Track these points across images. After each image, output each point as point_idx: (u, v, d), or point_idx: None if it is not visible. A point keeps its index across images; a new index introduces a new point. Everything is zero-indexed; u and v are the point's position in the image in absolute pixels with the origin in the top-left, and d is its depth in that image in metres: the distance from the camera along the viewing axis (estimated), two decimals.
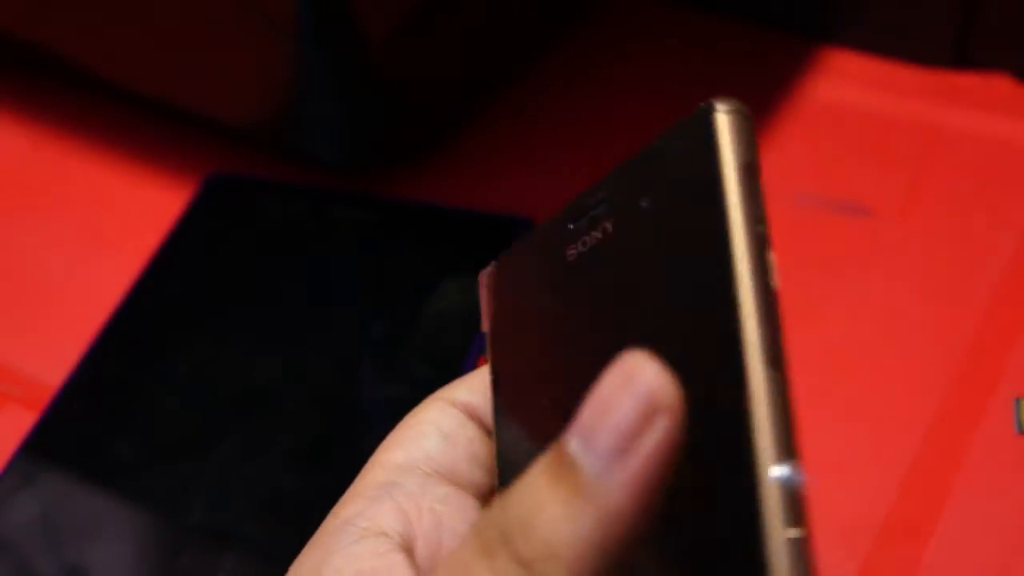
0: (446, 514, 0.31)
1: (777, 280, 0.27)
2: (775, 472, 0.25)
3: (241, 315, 0.49)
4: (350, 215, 0.51)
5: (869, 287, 0.47)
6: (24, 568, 0.42)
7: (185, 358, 0.47)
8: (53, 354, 0.48)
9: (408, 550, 0.30)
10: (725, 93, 0.57)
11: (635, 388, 0.25)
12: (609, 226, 0.30)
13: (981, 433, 0.43)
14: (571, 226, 0.31)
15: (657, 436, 0.25)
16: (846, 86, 0.54)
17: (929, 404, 0.44)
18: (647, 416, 0.25)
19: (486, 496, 0.32)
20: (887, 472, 0.42)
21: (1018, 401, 0.43)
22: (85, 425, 0.46)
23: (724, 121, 0.28)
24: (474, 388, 0.33)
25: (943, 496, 0.41)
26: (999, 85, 0.52)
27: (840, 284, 0.48)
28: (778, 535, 0.24)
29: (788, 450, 0.25)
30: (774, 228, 0.52)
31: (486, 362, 0.33)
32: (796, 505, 0.25)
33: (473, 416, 0.32)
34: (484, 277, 0.33)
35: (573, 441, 0.25)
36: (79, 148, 0.55)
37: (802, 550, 0.24)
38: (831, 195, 0.50)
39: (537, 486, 0.26)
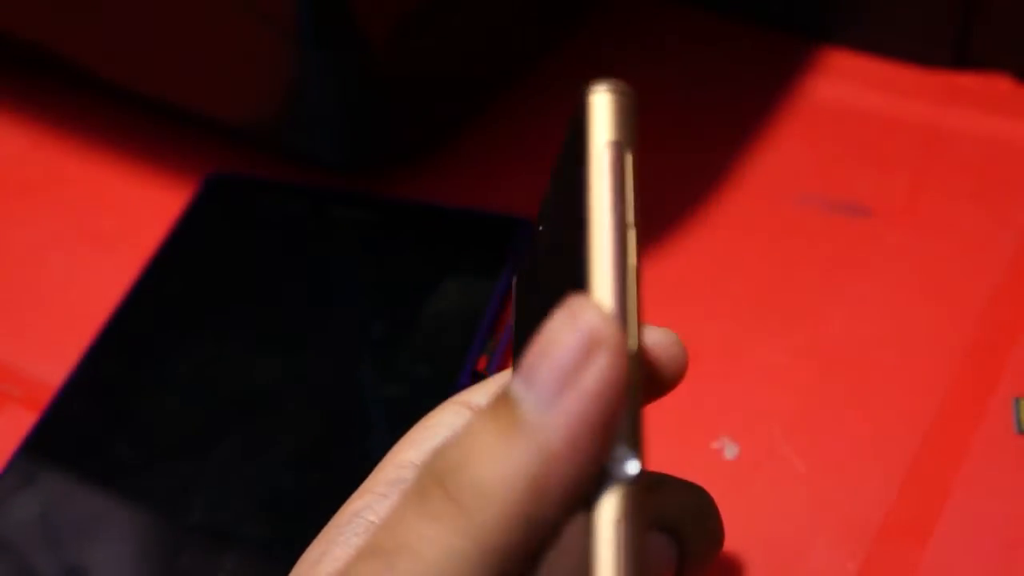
0: None
1: (635, 259, 0.26)
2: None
3: (241, 315, 0.49)
4: (350, 215, 0.51)
5: (869, 287, 0.47)
6: (24, 568, 0.42)
7: (185, 358, 0.47)
8: (53, 354, 0.48)
9: None
10: (725, 93, 0.58)
11: (576, 324, 0.25)
12: (545, 218, 0.31)
13: (981, 433, 0.43)
14: (540, 227, 0.32)
15: (597, 372, 0.24)
16: (846, 86, 0.54)
17: (929, 404, 0.44)
18: (587, 351, 0.24)
19: None
20: (887, 472, 0.42)
21: (1018, 401, 0.43)
22: (85, 425, 0.46)
23: (595, 102, 0.28)
24: (491, 393, 0.33)
25: (943, 496, 0.41)
26: (999, 85, 0.52)
27: (840, 284, 0.48)
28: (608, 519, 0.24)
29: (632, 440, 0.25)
30: (774, 227, 0.52)
31: (486, 362, 0.33)
32: (631, 495, 0.25)
33: None
34: (516, 275, 0.34)
35: (516, 381, 0.25)
36: (79, 148, 0.55)
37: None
38: (831, 195, 0.50)
39: (476, 427, 0.25)
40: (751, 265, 0.49)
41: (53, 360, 0.48)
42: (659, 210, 0.50)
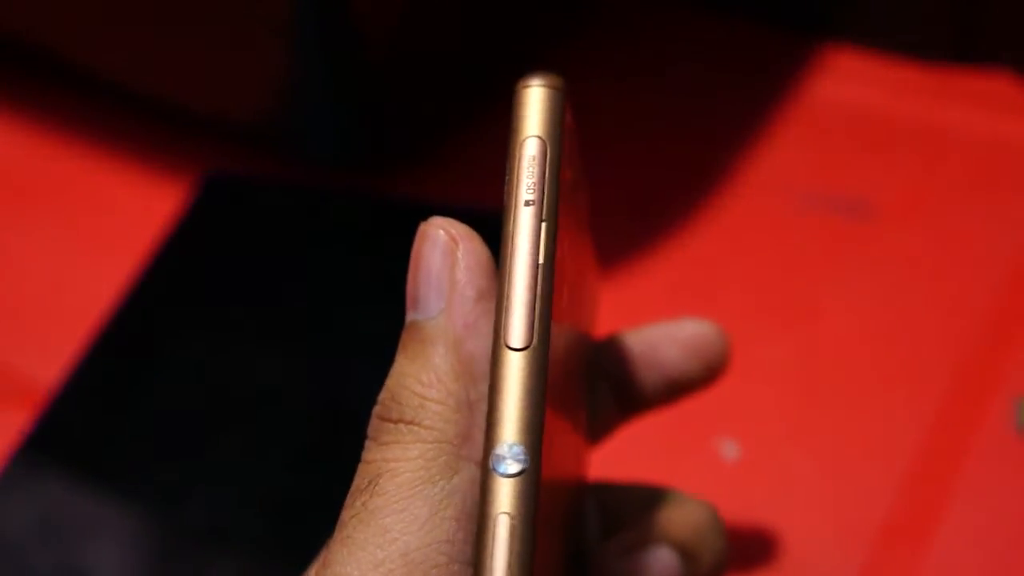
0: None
1: (546, 255, 0.27)
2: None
3: (241, 315, 0.49)
4: (350, 215, 0.51)
5: (869, 287, 0.47)
6: (24, 568, 0.42)
7: (185, 358, 0.47)
8: (52, 354, 0.48)
9: None
10: (725, 93, 0.58)
11: (431, 240, 0.28)
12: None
13: (981, 433, 0.43)
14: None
15: (463, 262, 0.28)
16: (846, 85, 0.53)
17: (929, 404, 0.44)
18: (449, 254, 0.28)
19: None
20: (887, 472, 0.42)
21: (1018, 401, 0.43)
22: (85, 425, 0.46)
23: (520, 97, 0.29)
24: None
25: (944, 496, 0.41)
26: (1000, 84, 0.52)
27: (840, 284, 0.48)
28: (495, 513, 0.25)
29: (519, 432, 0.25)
30: (774, 227, 0.52)
31: None
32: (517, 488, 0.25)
33: None
34: None
35: (408, 313, 0.28)
36: (75, 147, 0.55)
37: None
38: (831, 195, 0.50)
39: (395, 364, 0.28)
40: (751, 265, 0.49)
41: (52, 360, 0.48)
42: (659, 209, 0.50)
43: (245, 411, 0.46)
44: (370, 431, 0.28)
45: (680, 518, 0.34)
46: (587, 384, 0.33)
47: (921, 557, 0.40)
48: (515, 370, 0.26)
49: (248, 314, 0.49)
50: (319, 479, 0.44)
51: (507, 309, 0.26)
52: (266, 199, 0.52)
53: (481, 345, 0.27)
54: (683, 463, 0.43)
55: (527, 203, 0.27)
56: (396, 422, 0.27)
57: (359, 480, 0.27)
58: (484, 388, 0.27)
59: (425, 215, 0.52)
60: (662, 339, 0.34)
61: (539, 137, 0.28)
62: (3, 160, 0.56)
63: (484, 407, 0.26)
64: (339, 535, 0.26)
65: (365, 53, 0.48)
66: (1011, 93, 0.52)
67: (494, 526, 0.25)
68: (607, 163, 0.50)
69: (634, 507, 0.34)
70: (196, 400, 0.46)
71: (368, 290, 0.49)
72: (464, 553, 0.26)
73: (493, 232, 0.51)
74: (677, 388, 0.35)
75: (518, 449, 0.25)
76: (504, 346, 0.26)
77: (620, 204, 0.50)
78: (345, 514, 0.27)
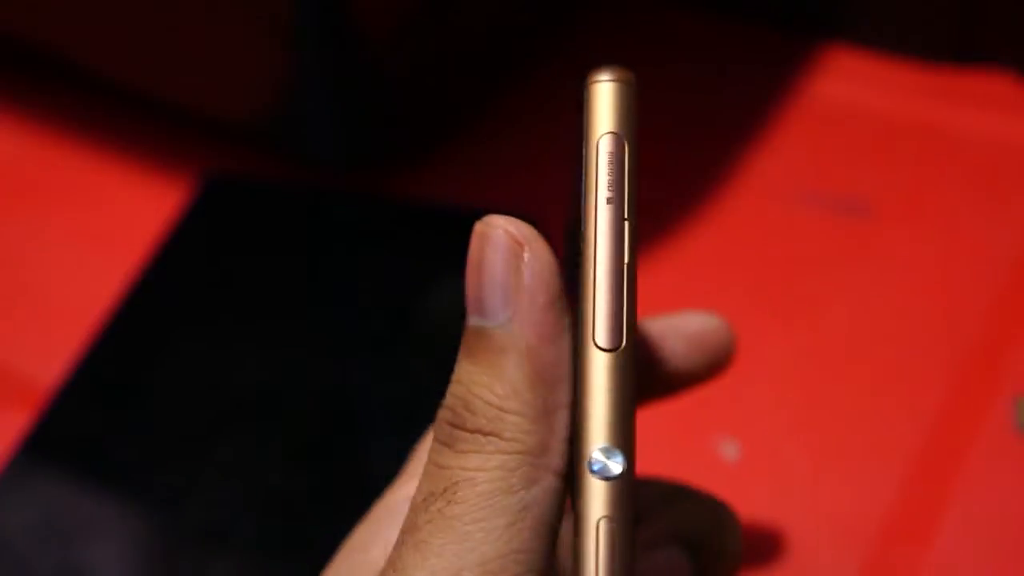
0: None
1: (631, 255, 0.27)
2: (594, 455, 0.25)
3: (241, 315, 0.49)
4: (350, 215, 0.51)
5: (869, 287, 0.47)
6: (23, 568, 0.42)
7: (185, 358, 0.47)
8: (52, 354, 0.48)
9: None
10: (725, 93, 0.58)
11: (493, 243, 0.27)
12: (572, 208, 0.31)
13: (981, 433, 0.43)
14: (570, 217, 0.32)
15: (529, 268, 0.27)
16: (847, 86, 0.53)
17: (929, 404, 0.44)
18: (514, 257, 0.27)
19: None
20: (887, 472, 0.42)
21: (1019, 400, 0.43)
22: (85, 425, 0.46)
23: (594, 91, 0.28)
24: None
25: (943, 496, 0.41)
26: (1000, 84, 0.52)
27: (840, 284, 0.48)
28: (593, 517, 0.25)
29: (614, 436, 0.26)
30: (774, 227, 0.52)
31: None
32: (613, 491, 0.25)
33: None
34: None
35: (471, 318, 0.27)
36: (74, 147, 0.55)
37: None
38: (831, 194, 0.50)
39: (461, 370, 0.27)
40: (751, 265, 0.49)
41: (52, 360, 0.48)
42: (659, 209, 0.50)
43: (245, 411, 0.46)
44: (441, 436, 0.27)
45: (695, 516, 0.34)
46: None
47: (921, 557, 0.40)
48: (607, 371, 0.26)
49: (248, 314, 0.49)
50: (319, 479, 0.44)
51: (595, 310, 0.26)
52: (266, 199, 0.52)
53: (554, 352, 0.27)
54: (683, 463, 0.43)
55: (608, 200, 0.27)
56: (473, 432, 0.27)
57: (431, 484, 0.27)
58: (560, 395, 0.26)
59: (425, 215, 0.52)
60: (668, 332, 0.34)
61: (615, 133, 0.27)
62: (3, 160, 0.56)
63: (563, 414, 0.26)
64: (411, 539, 0.26)
65: (365, 53, 0.48)
66: (1011, 93, 0.52)
67: (596, 530, 0.25)
68: None
69: (648, 504, 0.34)
70: (196, 400, 0.46)
71: (368, 290, 0.49)
72: (539, 563, 0.26)
73: None
74: (682, 380, 0.35)
75: (614, 452, 0.25)
76: (594, 347, 0.26)
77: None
78: (418, 518, 0.26)
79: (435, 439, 0.27)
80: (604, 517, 0.25)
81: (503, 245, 0.27)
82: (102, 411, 0.46)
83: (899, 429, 0.43)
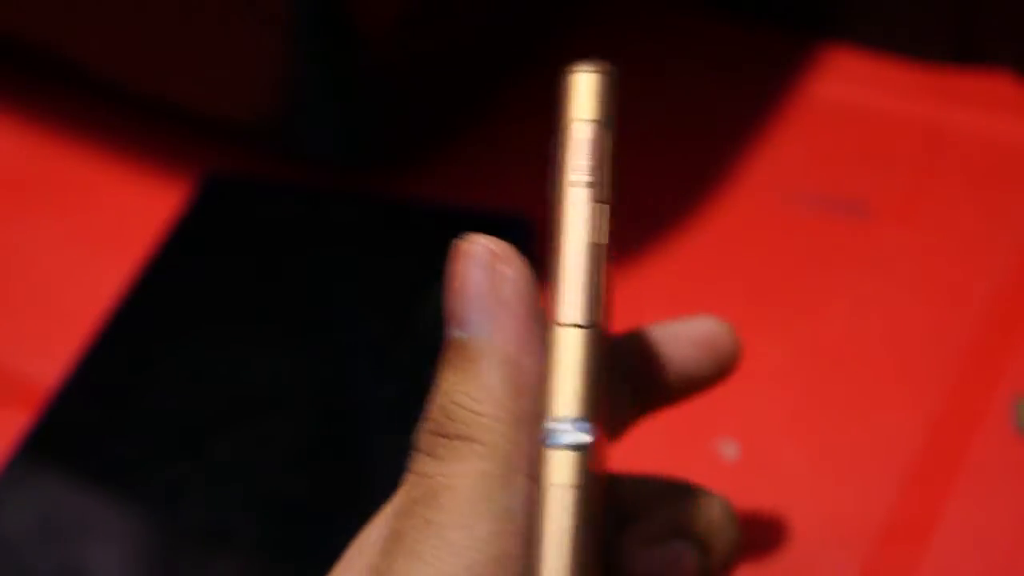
0: None
1: (604, 236, 0.27)
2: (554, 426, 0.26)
3: (240, 315, 0.49)
4: (350, 215, 0.51)
5: (869, 287, 0.47)
6: (23, 568, 0.42)
7: (184, 358, 0.47)
8: (52, 354, 0.48)
9: None
10: (725, 92, 0.58)
11: (472, 258, 0.28)
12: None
13: (981, 433, 0.43)
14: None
15: (510, 280, 0.28)
16: (846, 86, 0.53)
17: (929, 404, 0.44)
18: (493, 271, 0.28)
19: None
20: (887, 472, 0.42)
21: (1018, 401, 0.43)
22: (84, 425, 0.46)
23: (572, 81, 0.28)
24: None
25: (943, 496, 0.41)
26: (1000, 84, 0.52)
27: (840, 284, 0.48)
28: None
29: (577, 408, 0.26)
30: (774, 227, 0.52)
31: None
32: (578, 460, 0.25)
33: None
34: None
35: (451, 329, 0.28)
36: (76, 147, 0.55)
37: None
38: (831, 194, 0.50)
39: (442, 380, 0.28)
40: (751, 265, 0.49)
41: (52, 360, 0.48)
42: (659, 209, 0.50)
43: (245, 411, 0.46)
44: (422, 445, 0.28)
45: (696, 511, 0.34)
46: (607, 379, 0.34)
47: (921, 557, 0.40)
48: (573, 346, 0.26)
49: (248, 314, 0.49)
50: (319, 479, 0.44)
51: (563, 288, 0.26)
52: (266, 199, 0.52)
53: (532, 361, 0.27)
54: (683, 463, 0.43)
55: (585, 184, 0.27)
56: (453, 438, 0.27)
57: (413, 491, 0.27)
58: (538, 404, 0.27)
59: (425, 216, 0.52)
60: (675, 336, 0.35)
61: (592, 120, 0.28)
62: (3, 160, 0.56)
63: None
64: (399, 547, 0.27)
65: (365, 53, 0.48)
66: (1011, 93, 0.52)
67: (554, 496, 0.25)
68: None
69: (648, 500, 0.34)
70: (196, 400, 0.46)
71: (368, 290, 0.49)
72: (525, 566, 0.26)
73: (493, 232, 0.51)
74: (691, 385, 0.35)
75: (577, 422, 0.25)
76: (562, 324, 0.26)
77: (619, 204, 0.50)
78: (403, 525, 0.27)
79: (416, 450, 0.28)
80: (560, 484, 0.25)
81: (483, 260, 0.28)
82: (102, 411, 0.46)
83: (898, 429, 0.43)
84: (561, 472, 0.25)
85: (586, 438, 0.25)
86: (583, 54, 0.55)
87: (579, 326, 0.26)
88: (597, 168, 0.27)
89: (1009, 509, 0.41)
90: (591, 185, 0.27)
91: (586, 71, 0.28)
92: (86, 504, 0.44)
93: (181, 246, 0.51)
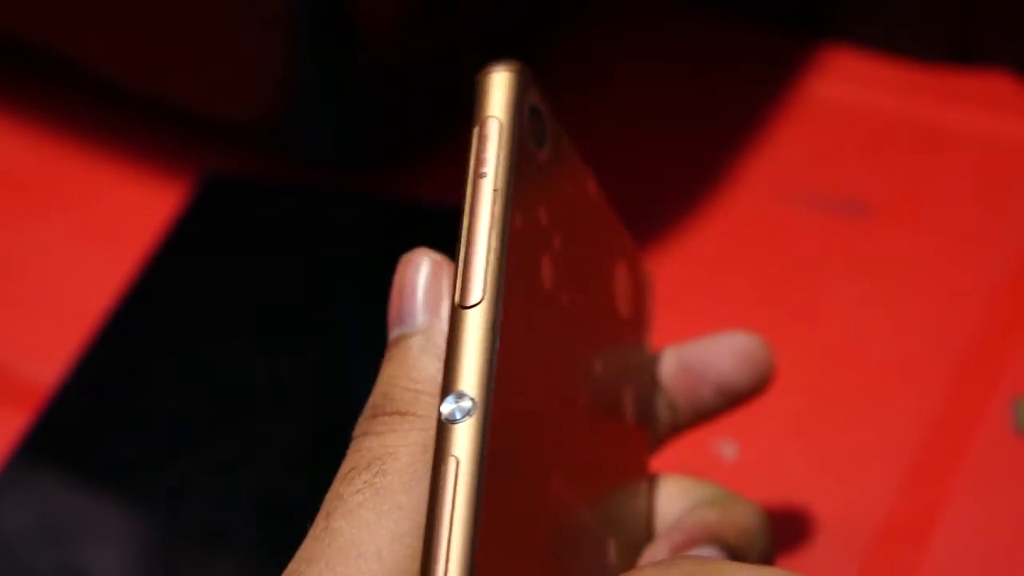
0: None
1: (496, 217, 0.28)
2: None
3: (241, 315, 0.49)
4: (350, 215, 0.51)
5: (869, 287, 0.47)
6: (23, 568, 0.42)
7: (184, 358, 0.47)
8: (51, 354, 0.48)
9: None
10: (725, 92, 0.58)
11: (415, 265, 0.30)
12: None
13: (981, 433, 0.43)
14: None
15: (446, 277, 0.30)
16: (846, 85, 0.53)
17: (929, 404, 0.44)
18: (435, 273, 0.30)
19: None
20: (887, 472, 0.42)
21: (1017, 401, 0.43)
22: (84, 425, 0.46)
23: (478, 84, 0.30)
24: None
25: (943, 496, 0.41)
26: (1000, 84, 0.52)
27: (840, 284, 0.48)
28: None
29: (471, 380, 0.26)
30: (774, 227, 0.52)
31: None
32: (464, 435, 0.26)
33: None
34: None
35: (392, 332, 0.30)
36: (76, 147, 0.55)
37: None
38: (831, 194, 0.50)
39: (381, 375, 0.30)
40: (750, 265, 0.49)
41: (51, 360, 0.48)
42: (658, 209, 0.50)
43: (245, 411, 0.46)
44: (359, 430, 0.29)
45: (729, 519, 0.33)
46: (639, 391, 0.34)
47: (921, 557, 0.40)
48: (464, 326, 0.27)
49: (248, 314, 0.49)
50: (319, 479, 0.44)
51: (457, 271, 0.27)
52: (266, 199, 0.52)
53: None
54: (683, 463, 0.43)
55: (480, 175, 0.28)
56: (391, 414, 0.28)
57: (355, 461, 0.28)
58: None
59: (425, 216, 0.52)
60: (712, 351, 0.35)
61: (492, 117, 0.29)
62: (3, 160, 0.56)
63: None
64: (341, 509, 0.28)
65: (365, 52, 0.48)
66: (1011, 93, 0.52)
67: (442, 468, 0.25)
68: (605, 163, 0.50)
69: (678, 503, 0.34)
70: (196, 400, 0.46)
71: (368, 290, 0.49)
72: None
73: None
74: (730, 399, 0.36)
75: (464, 397, 0.26)
76: (456, 306, 0.27)
77: (619, 204, 0.50)
78: (344, 490, 0.28)
79: (353, 436, 0.29)
80: (451, 456, 0.25)
81: (425, 266, 0.30)
82: (101, 411, 0.46)
83: (898, 429, 0.43)
84: (444, 444, 0.25)
85: (466, 412, 0.26)
86: (583, 54, 0.56)
87: (464, 307, 0.27)
88: (494, 160, 0.28)
89: (1009, 509, 0.41)
90: (486, 175, 0.28)
91: (494, 72, 0.30)
92: (85, 504, 0.44)
93: (180, 246, 0.51)
